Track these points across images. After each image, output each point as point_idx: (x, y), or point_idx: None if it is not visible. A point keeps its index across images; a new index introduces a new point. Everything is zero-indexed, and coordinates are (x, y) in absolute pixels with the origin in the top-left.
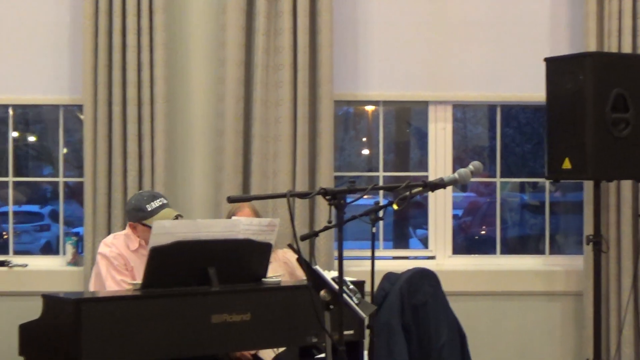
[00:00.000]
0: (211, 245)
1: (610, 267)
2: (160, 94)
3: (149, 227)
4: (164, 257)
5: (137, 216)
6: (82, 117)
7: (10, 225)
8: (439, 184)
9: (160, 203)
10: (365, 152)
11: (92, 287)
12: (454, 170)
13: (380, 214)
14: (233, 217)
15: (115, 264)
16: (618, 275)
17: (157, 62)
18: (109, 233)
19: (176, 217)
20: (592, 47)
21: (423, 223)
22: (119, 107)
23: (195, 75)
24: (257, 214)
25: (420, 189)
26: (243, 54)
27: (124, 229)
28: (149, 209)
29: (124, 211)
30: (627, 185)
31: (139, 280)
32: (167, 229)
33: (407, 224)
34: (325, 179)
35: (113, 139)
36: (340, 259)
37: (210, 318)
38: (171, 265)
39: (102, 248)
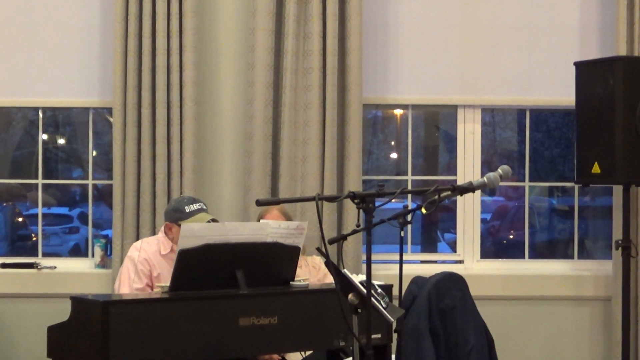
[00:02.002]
0: (239, 248)
1: (639, 271)
2: (190, 97)
3: None
4: (192, 259)
5: (174, 217)
6: (111, 119)
7: (40, 227)
8: (468, 188)
9: (199, 207)
10: (394, 155)
11: (115, 289)
12: (483, 174)
13: (409, 217)
14: (261, 220)
15: (140, 269)
16: None
17: (187, 65)
18: (137, 235)
19: (209, 222)
20: (622, 51)
21: (451, 227)
22: (149, 110)
23: (224, 78)
24: (287, 217)
25: (449, 192)
26: (272, 58)
27: (153, 231)
28: (187, 211)
29: (152, 214)
30: None
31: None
32: (195, 232)
33: (436, 228)
34: (354, 183)
35: (142, 141)
36: (369, 262)
37: (238, 321)
38: (199, 268)
39: (131, 251)
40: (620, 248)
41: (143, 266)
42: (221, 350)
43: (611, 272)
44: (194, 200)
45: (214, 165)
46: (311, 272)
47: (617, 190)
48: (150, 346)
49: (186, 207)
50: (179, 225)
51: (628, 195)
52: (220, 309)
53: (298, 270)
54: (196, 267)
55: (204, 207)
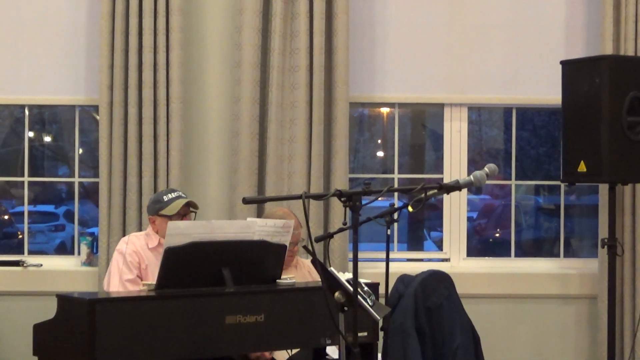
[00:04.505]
0: (226, 246)
1: (624, 270)
2: (176, 95)
3: (166, 216)
4: (178, 257)
5: (155, 208)
6: (97, 117)
7: (25, 225)
8: (454, 187)
9: (177, 195)
10: (380, 154)
11: (105, 284)
12: (469, 173)
13: (395, 216)
14: (248, 219)
15: (129, 260)
16: (632, 279)
17: (173, 63)
18: (123, 233)
19: (187, 205)
20: (608, 50)
21: (438, 225)
22: (135, 108)
23: (211, 76)
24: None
25: (436, 191)
26: (259, 56)
27: (139, 229)
28: (165, 200)
29: (139, 212)
30: None
31: (152, 280)
32: (181, 230)
33: (422, 226)
34: (340, 181)
35: (128, 139)
36: (355, 260)
37: (224, 319)
38: (186, 266)
39: (120, 245)
40: (605, 246)
41: (132, 258)
42: (207, 348)
43: (597, 271)
44: (172, 190)
45: (200, 163)
46: (304, 277)
47: (603, 188)
48: (136, 344)
49: (164, 197)
50: (161, 216)
51: (614, 194)
52: (206, 307)
53: (293, 270)
54: (182, 265)
55: (182, 195)
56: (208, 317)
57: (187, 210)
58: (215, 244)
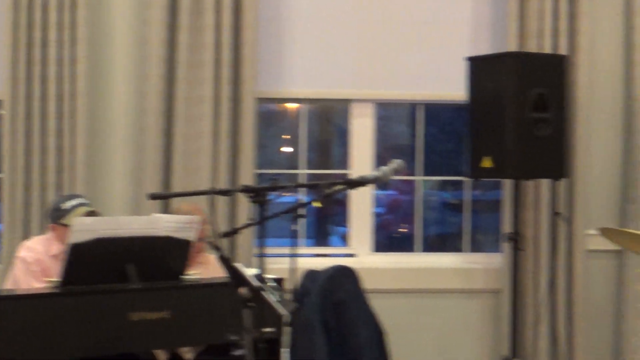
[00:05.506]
0: (130, 241)
1: (527, 264)
2: (81, 90)
3: (66, 225)
4: (82, 253)
5: (55, 215)
6: (1, 112)
7: None
8: (360, 182)
9: (78, 202)
10: (288, 149)
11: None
12: (376, 168)
13: (302, 211)
14: (152, 214)
15: (34, 270)
16: (535, 273)
17: (79, 58)
18: (26, 230)
19: (90, 213)
20: (513, 47)
21: (344, 221)
22: (39, 103)
23: (117, 71)
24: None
25: (342, 186)
26: (166, 51)
27: (40, 227)
28: (65, 208)
29: (40, 208)
30: (545, 184)
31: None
32: (87, 226)
33: (328, 222)
34: (247, 176)
35: (32, 134)
36: (262, 256)
37: (128, 315)
38: (90, 262)
39: (22, 251)
40: (509, 241)
41: (36, 267)
42: (111, 345)
43: (500, 265)
44: (71, 197)
45: (106, 159)
46: (212, 273)
47: (507, 184)
48: (38, 342)
49: (65, 204)
50: (62, 225)
51: (518, 189)
52: (110, 304)
53: (201, 267)
54: (87, 261)
55: (84, 202)
56: (111, 314)
57: None
58: (119, 239)
